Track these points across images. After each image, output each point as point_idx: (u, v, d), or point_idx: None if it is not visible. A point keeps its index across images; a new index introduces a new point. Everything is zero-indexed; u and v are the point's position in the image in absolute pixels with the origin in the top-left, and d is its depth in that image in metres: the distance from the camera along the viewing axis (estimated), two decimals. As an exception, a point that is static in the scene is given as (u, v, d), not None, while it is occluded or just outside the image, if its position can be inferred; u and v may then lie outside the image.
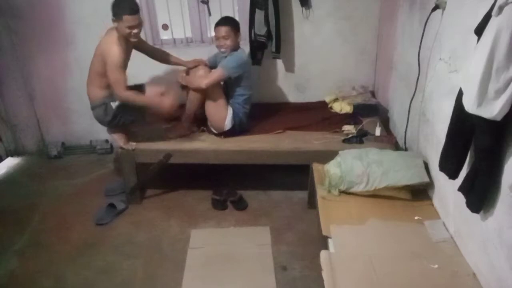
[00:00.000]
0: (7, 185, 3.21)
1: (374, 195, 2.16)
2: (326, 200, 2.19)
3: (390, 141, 2.66)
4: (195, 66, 2.81)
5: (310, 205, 2.67)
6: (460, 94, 1.52)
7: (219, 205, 2.78)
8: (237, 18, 2.99)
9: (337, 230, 1.94)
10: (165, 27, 3.37)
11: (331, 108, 3.19)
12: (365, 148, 2.39)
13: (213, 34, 2.90)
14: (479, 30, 1.39)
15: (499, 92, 1.28)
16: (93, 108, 2.70)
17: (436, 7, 2.02)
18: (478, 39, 1.40)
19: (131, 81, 2.78)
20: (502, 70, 1.26)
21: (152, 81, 3.29)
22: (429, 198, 2.16)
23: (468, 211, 1.56)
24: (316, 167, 2.47)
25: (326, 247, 1.88)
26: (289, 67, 3.45)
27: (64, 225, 2.68)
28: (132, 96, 2.55)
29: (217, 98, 2.72)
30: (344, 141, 2.67)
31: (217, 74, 2.67)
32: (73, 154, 3.62)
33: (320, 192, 2.25)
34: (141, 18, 2.54)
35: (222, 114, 2.74)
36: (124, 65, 2.55)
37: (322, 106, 3.24)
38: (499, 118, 1.30)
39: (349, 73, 3.42)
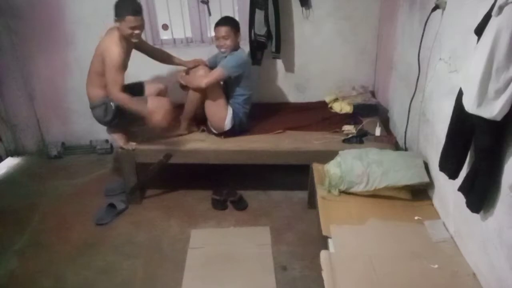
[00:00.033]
0: (7, 185, 3.21)
1: (374, 195, 2.16)
2: (326, 200, 2.19)
3: (390, 141, 2.66)
4: (195, 66, 2.82)
5: (310, 205, 2.67)
6: (460, 94, 1.52)
7: (219, 205, 2.78)
8: (237, 18, 2.99)
9: (337, 230, 1.94)
10: (165, 27, 3.37)
11: (331, 108, 3.19)
12: (365, 148, 2.39)
13: (213, 34, 2.90)
14: (479, 30, 1.39)
15: (499, 92, 1.28)
16: (92, 108, 2.70)
17: (436, 7, 2.02)
18: (478, 39, 1.40)
19: (131, 81, 2.79)
20: (502, 70, 1.26)
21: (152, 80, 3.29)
22: (429, 198, 2.16)
23: (468, 211, 1.56)
24: (316, 167, 2.47)
25: (326, 247, 1.88)
26: (289, 67, 3.45)
27: (64, 225, 2.68)
28: (126, 99, 2.51)
29: (217, 98, 2.72)
30: (344, 141, 2.67)
31: (217, 73, 2.67)
32: (73, 154, 3.62)
33: (320, 192, 2.25)
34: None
35: (222, 114, 2.74)
36: (123, 65, 2.55)
37: (322, 106, 3.24)
38: (499, 118, 1.30)
39: (349, 73, 3.42)
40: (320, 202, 2.18)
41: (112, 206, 2.77)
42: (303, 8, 3.21)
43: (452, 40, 1.88)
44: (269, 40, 3.11)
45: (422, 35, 2.19)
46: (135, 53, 2.73)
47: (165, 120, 2.54)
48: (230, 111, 2.76)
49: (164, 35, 3.41)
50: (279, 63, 3.43)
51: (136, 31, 2.49)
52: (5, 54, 3.35)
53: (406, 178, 2.10)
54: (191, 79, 2.74)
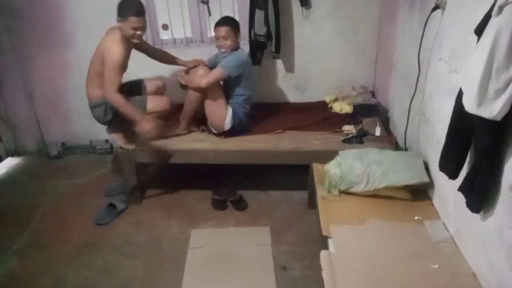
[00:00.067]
0: (7, 185, 3.21)
1: (374, 195, 2.16)
2: (326, 200, 2.19)
3: (390, 141, 2.66)
4: (195, 66, 2.82)
5: (310, 205, 2.67)
6: (460, 94, 1.52)
7: (219, 205, 2.78)
8: (237, 18, 2.99)
9: (337, 230, 1.94)
10: (165, 27, 3.37)
11: (331, 108, 3.19)
12: (365, 148, 2.39)
13: (213, 34, 2.90)
14: (479, 30, 1.39)
15: (499, 92, 1.28)
16: (92, 107, 2.70)
17: (436, 7, 2.02)
18: (478, 39, 1.40)
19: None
20: (502, 70, 1.26)
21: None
22: (429, 198, 2.16)
23: (468, 211, 1.56)
24: (316, 167, 2.47)
25: (326, 247, 1.88)
26: (289, 67, 3.45)
27: (64, 225, 2.68)
28: (120, 101, 2.51)
29: (217, 98, 2.72)
30: (344, 141, 2.67)
31: (217, 73, 2.67)
32: (73, 154, 3.62)
33: (320, 192, 2.25)
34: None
35: (222, 114, 2.74)
36: (124, 65, 2.55)
37: (322, 106, 3.24)
38: (499, 118, 1.30)
39: (349, 73, 3.42)
40: (320, 202, 2.18)
41: (112, 206, 2.77)
42: (303, 8, 3.22)
43: (452, 40, 1.88)
44: (269, 40, 3.11)
45: (422, 35, 2.19)
46: (135, 53, 2.73)
47: (153, 132, 2.55)
48: (230, 111, 2.76)
49: (164, 35, 3.41)
50: (279, 63, 3.43)
51: (138, 32, 2.49)
52: (5, 54, 3.35)
53: (406, 178, 2.10)
54: (191, 79, 2.73)
